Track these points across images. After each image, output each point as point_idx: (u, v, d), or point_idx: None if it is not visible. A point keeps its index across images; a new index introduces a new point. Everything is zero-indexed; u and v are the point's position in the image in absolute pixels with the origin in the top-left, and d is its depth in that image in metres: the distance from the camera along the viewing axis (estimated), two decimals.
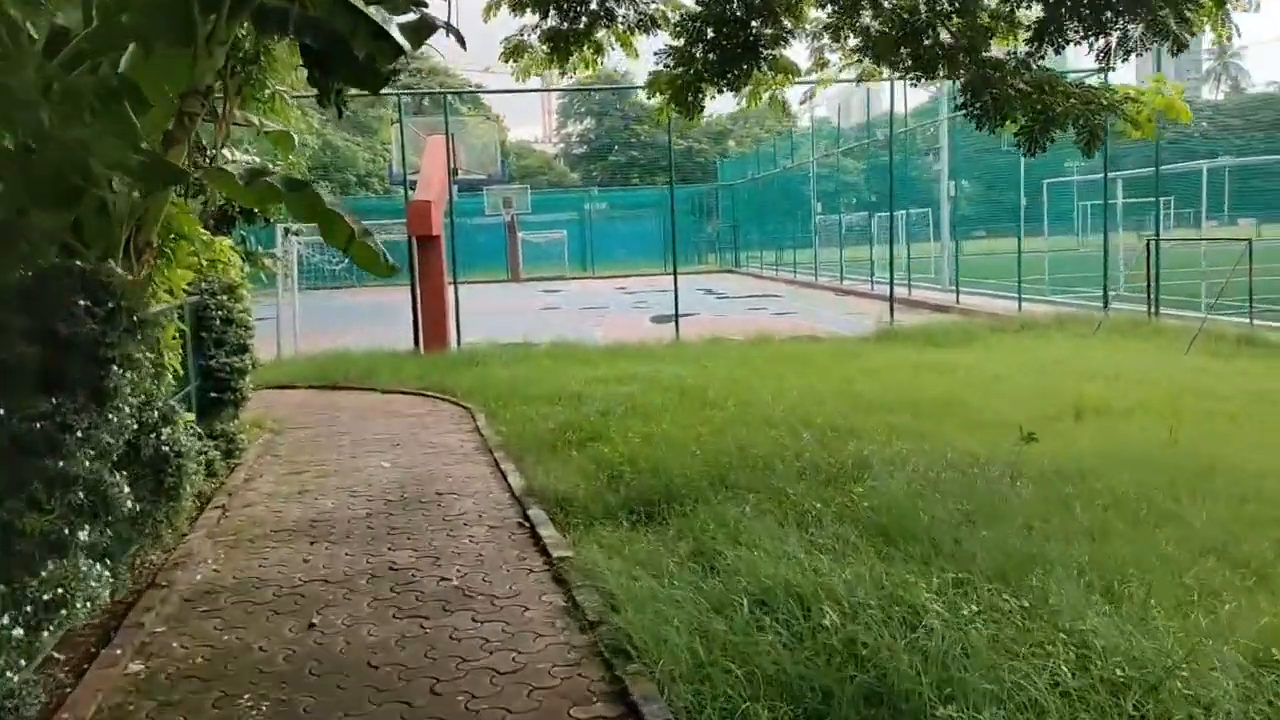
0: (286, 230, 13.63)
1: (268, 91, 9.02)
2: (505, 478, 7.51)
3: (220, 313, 8.00)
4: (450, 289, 15.38)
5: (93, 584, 3.93)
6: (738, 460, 7.13)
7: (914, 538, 5.18)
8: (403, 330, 15.76)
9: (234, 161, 7.68)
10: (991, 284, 23.98)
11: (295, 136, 8.25)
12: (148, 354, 4.55)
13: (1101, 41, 6.80)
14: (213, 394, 7.93)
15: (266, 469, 8.19)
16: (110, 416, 4.14)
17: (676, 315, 16.10)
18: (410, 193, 15.54)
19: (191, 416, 6.91)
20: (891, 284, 16.29)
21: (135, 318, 4.14)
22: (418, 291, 14.93)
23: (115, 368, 3.99)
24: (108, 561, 4.17)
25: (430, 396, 11.83)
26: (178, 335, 6.79)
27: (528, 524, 6.28)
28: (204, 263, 8.83)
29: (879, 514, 5.65)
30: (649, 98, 9.95)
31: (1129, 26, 6.74)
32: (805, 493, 6.20)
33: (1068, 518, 5.54)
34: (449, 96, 15.67)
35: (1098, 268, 23.90)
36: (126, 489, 4.09)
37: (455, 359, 13.88)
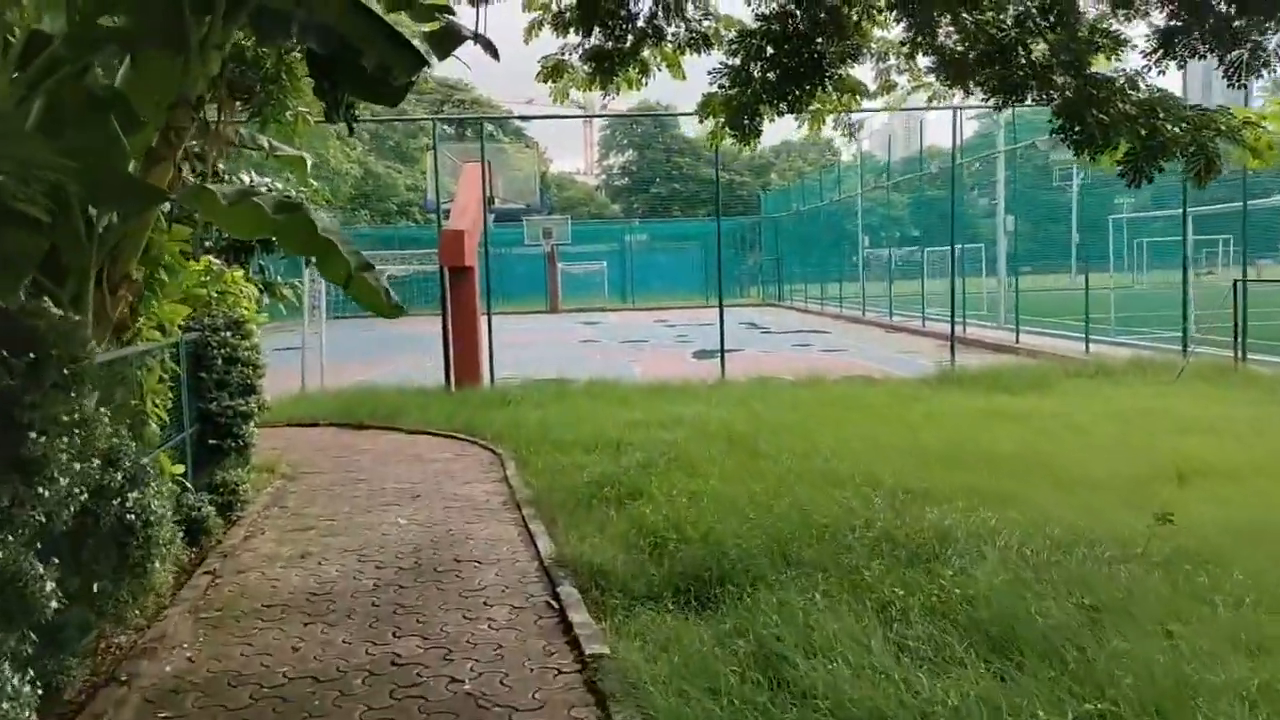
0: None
1: (289, 114, 8.40)
2: (534, 541, 6.63)
3: (223, 351, 7.25)
4: (484, 320, 14.62)
5: (4, 704, 3.11)
6: (799, 528, 6.20)
7: (1028, 644, 4.23)
8: (435, 363, 15.02)
9: (229, 182, 6.97)
10: (1050, 323, 22.82)
11: (312, 160, 7.53)
12: (101, 409, 3.74)
13: (1232, 54, 5.89)
14: (212, 441, 7.15)
15: (270, 524, 7.39)
16: (41, 490, 3.33)
17: (722, 352, 15.21)
18: (444, 221, 14.85)
19: (181, 469, 6.13)
20: (953, 323, 15.27)
21: (71, 368, 3.33)
22: (449, 325, 14.18)
23: (38, 433, 3.18)
24: (32, 671, 3.34)
25: (458, 439, 11.02)
26: (165, 378, 6.04)
27: (557, 605, 5.39)
28: (213, 295, 8.14)
29: (977, 608, 4.70)
30: (701, 121, 9.10)
31: (1265, 38, 5.83)
32: (883, 575, 5.27)
33: (1210, 619, 4.55)
34: (486, 124, 14.97)
35: (1163, 306, 22.70)
36: (50, 585, 3.27)
37: (487, 397, 13.08)
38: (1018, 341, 19.92)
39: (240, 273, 8.37)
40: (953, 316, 15.27)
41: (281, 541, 6.89)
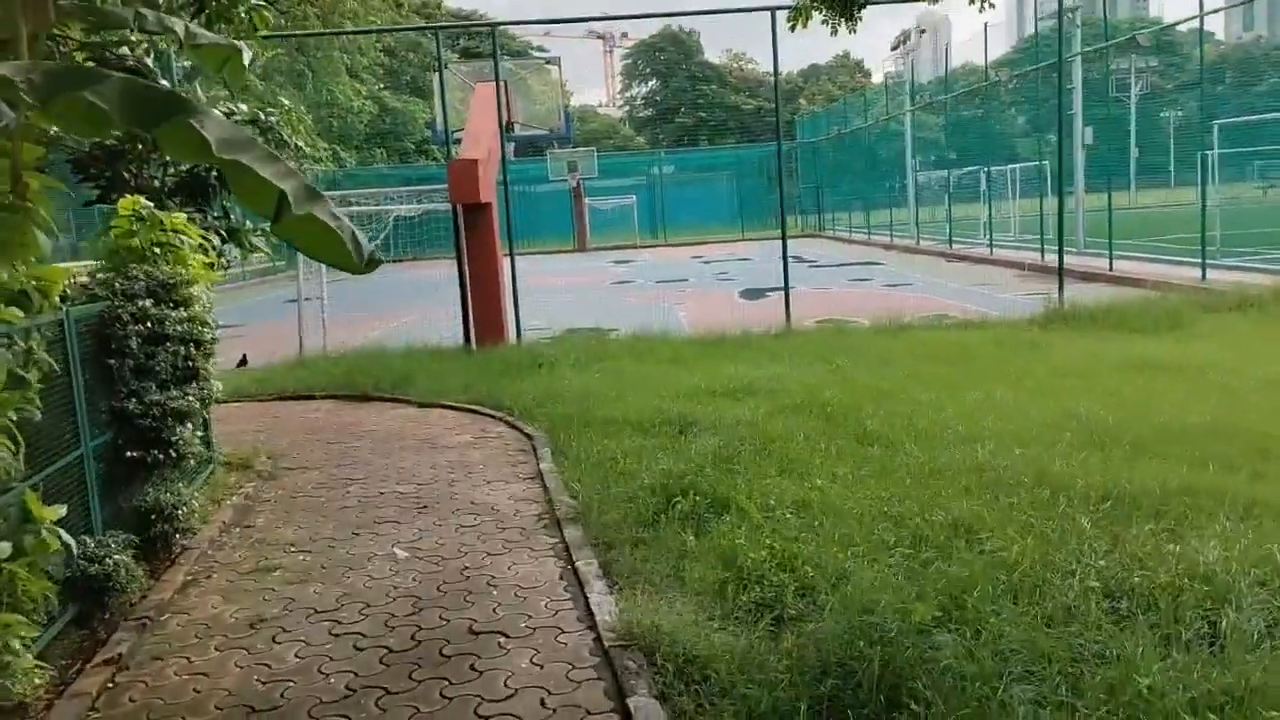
0: None
1: (243, 9, 6.29)
2: (584, 592, 4.61)
3: (143, 326, 5.21)
4: (506, 265, 12.52)
5: None
6: (980, 572, 4.14)
7: None
8: (451, 317, 12.94)
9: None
10: (1143, 245, 20.37)
11: (252, 52, 5.31)
12: None
13: None
14: (131, 454, 5.15)
15: (223, 561, 5.43)
16: None
17: (786, 295, 13.04)
18: (454, 151, 12.67)
19: (55, 511, 4.13)
20: (1061, 250, 12.95)
21: None
22: (465, 273, 12.09)
23: None
24: None
25: (479, 414, 9.01)
26: (32, 373, 4.00)
27: None
28: (148, 247, 6.10)
29: None
30: None
31: None
32: (1177, 676, 3.21)
33: None
34: (498, 38, 12.70)
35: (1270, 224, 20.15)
36: None
37: (513, 357, 11.01)
38: (1111, 269, 17.55)
39: (181, 216, 6.30)
40: (1061, 241, 12.92)
41: (230, 595, 4.91)
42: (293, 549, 5.55)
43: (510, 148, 14.68)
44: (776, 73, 12.37)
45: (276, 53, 42.58)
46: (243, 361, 12.30)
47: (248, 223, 8.06)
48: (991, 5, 6.42)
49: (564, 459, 7.01)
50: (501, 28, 13.16)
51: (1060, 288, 12.63)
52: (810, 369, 9.51)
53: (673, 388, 8.73)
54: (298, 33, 29.01)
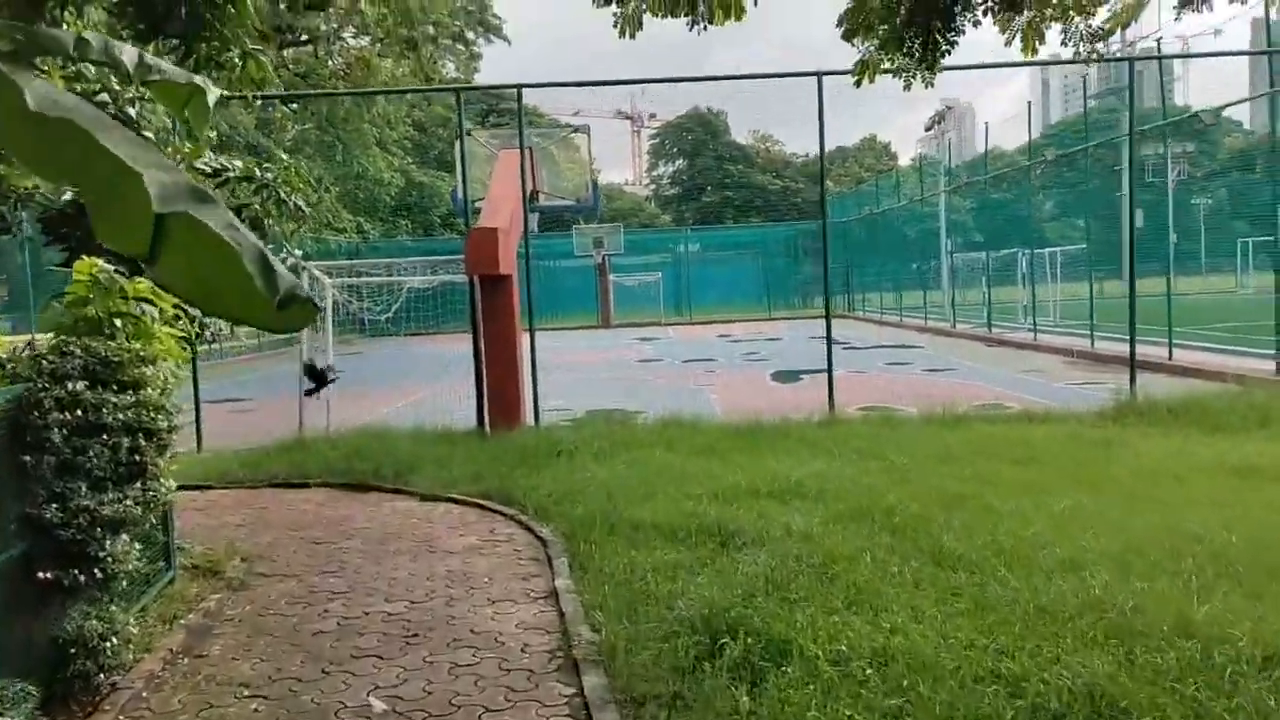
0: (299, 264, 9.94)
1: (235, 52, 5.53)
2: None
3: (72, 414, 4.24)
4: (525, 340, 11.58)
5: None
6: None
7: None
8: (464, 396, 11.95)
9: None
10: (1194, 332, 19.23)
11: (213, 97, 4.36)
12: None
13: None
14: (46, 574, 4.14)
15: (155, 712, 4.36)
16: None
17: (830, 380, 12.02)
18: (475, 221, 11.85)
19: None
20: (1133, 337, 11.88)
21: None
22: (481, 350, 11.16)
23: None
24: None
25: (489, 510, 7.97)
26: None
27: None
28: (110, 317, 5.21)
29: None
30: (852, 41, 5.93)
31: None
32: None
33: None
34: (523, 104, 11.98)
35: None
36: None
37: (530, 443, 9.99)
38: (1171, 358, 16.42)
39: (144, 284, 5.40)
40: (1132, 332, 11.84)
41: None
42: (245, 693, 4.48)
43: (535, 220, 13.86)
44: (822, 143, 11.55)
45: (308, 126, 42.83)
46: (317, 379, 11.23)
47: None
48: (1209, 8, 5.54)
49: (583, 573, 5.94)
50: (528, 103, 12.39)
51: (1132, 379, 11.53)
52: (862, 465, 8.43)
53: (708, 485, 7.67)
54: (313, 93, 28.71)
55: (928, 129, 32.46)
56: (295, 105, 44.69)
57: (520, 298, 11.72)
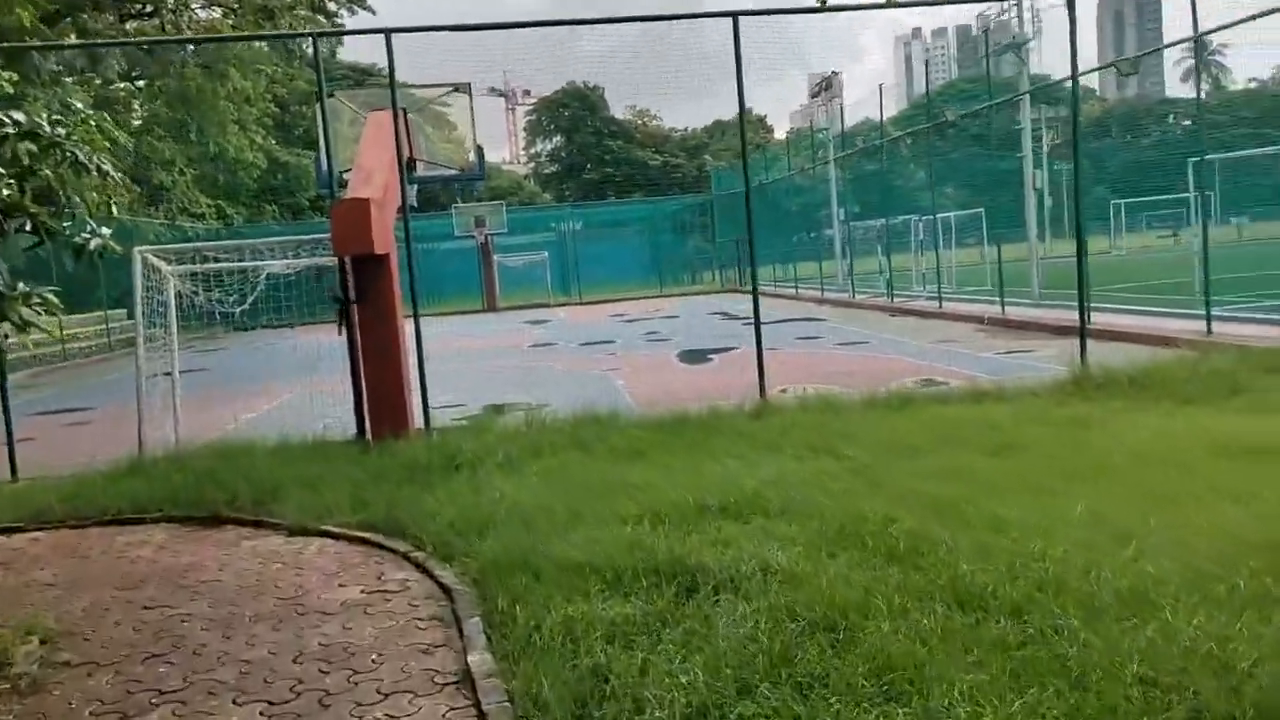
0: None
1: None
2: None
3: None
4: (410, 329, 9.96)
5: None
6: None
7: None
8: (344, 392, 10.20)
9: None
10: (1102, 294, 18.84)
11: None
12: None
13: None
14: None
15: None
16: None
17: (760, 365, 10.75)
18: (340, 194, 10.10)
19: None
20: (1082, 304, 10.97)
21: None
22: (358, 345, 9.48)
23: None
24: None
25: (374, 546, 6.40)
26: None
27: None
28: None
29: None
30: None
31: None
32: None
33: None
34: (395, 60, 10.27)
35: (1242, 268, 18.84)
36: None
37: (421, 455, 8.37)
38: (1089, 321, 15.79)
39: None
40: (1082, 296, 10.93)
41: None
42: None
43: (413, 194, 12.16)
44: (741, 93, 10.19)
45: (158, 103, 39.29)
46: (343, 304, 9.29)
47: (21, 286, 5.38)
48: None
49: (505, 640, 4.48)
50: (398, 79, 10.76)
51: (1083, 348, 10.64)
52: (817, 465, 7.18)
53: (645, 501, 6.29)
54: (125, 40, 25.81)
55: (814, 95, 31.63)
56: (142, 82, 41.09)
57: (401, 282, 10.06)
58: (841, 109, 30.49)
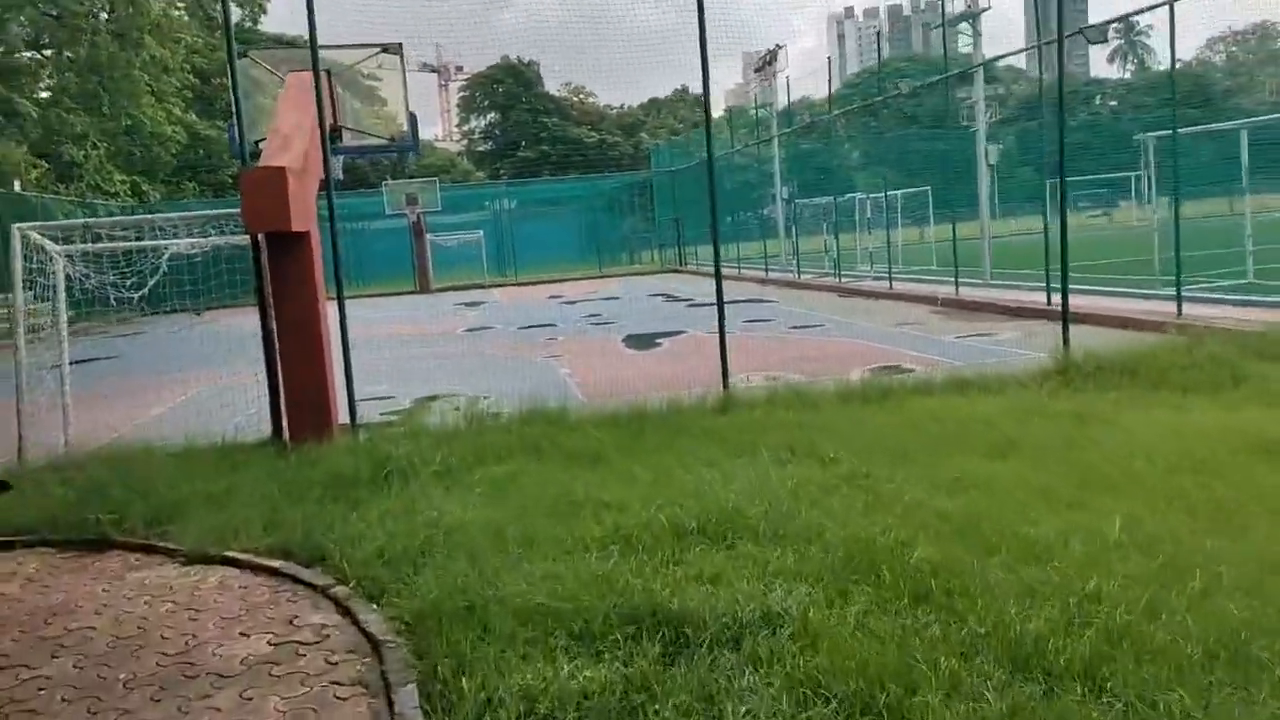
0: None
1: None
2: None
3: None
4: (333, 313, 8.85)
5: None
6: None
7: None
8: (258, 386, 9.07)
9: None
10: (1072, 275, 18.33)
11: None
12: None
13: None
14: None
15: None
16: None
17: (723, 355, 9.84)
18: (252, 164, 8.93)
19: None
20: (1065, 287, 10.28)
21: None
22: (274, 337, 8.37)
23: None
24: None
25: (287, 579, 5.38)
26: None
27: None
28: None
29: None
30: None
31: None
32: None
33: None
34: (317, 22, 9.12)
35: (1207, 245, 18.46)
36: None
37: (347, 461, 7.31)
38: (1049, 303, 15.27)
39: None
40: (1065, 278, 10.24)
41: None
42: None
43: (338, 166, 11.02)
44: (704, 53, 9.24)
45: (67, 74, 36.92)
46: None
47: None
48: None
49: (451, 715, 3.54)
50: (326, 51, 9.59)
51: (1065, 335, 9.96)
52: (802, 471, 6.32)
53: (612, 521, 5.37)
54: None
55: (757, 70, 30.89)
56: (50, 51, 38.61)
57: (324, 263, 8.96)
58: (788, 82, 29.76)
